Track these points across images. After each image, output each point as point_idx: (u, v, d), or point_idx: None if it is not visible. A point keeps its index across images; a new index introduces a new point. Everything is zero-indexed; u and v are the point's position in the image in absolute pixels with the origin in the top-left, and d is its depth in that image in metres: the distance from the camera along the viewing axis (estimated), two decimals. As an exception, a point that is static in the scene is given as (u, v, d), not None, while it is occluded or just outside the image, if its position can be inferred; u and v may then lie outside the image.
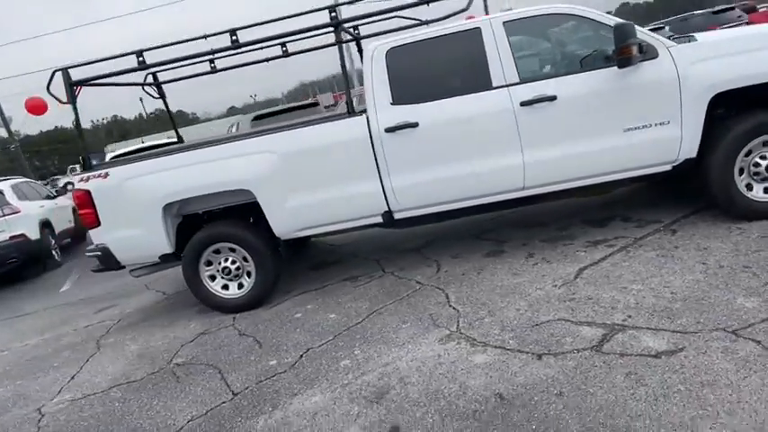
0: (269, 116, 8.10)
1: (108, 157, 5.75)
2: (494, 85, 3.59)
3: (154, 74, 5.06)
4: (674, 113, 3.46)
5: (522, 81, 3.56)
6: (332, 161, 3.77)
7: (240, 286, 4.13)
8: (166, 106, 5.45)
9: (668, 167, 3.62)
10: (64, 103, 4.08)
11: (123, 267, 4.25)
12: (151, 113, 59.49)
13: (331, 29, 3.93)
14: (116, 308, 5.13)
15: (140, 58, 3.91)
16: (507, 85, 3.57)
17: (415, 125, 3.63)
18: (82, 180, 4.00)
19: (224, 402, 2.85)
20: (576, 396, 2.28)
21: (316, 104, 9.25)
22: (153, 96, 5.34)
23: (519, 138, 3.59)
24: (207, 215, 4.26)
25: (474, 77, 3.62)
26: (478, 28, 3.63)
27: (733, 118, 3.49)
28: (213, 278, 4.14)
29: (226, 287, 4.15)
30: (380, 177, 3.76)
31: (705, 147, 3.51)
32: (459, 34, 3.69)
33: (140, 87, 5.18)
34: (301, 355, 3.18)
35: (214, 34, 3.97)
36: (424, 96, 3.68)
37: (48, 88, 4.02)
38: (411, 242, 4.90)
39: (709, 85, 3.36)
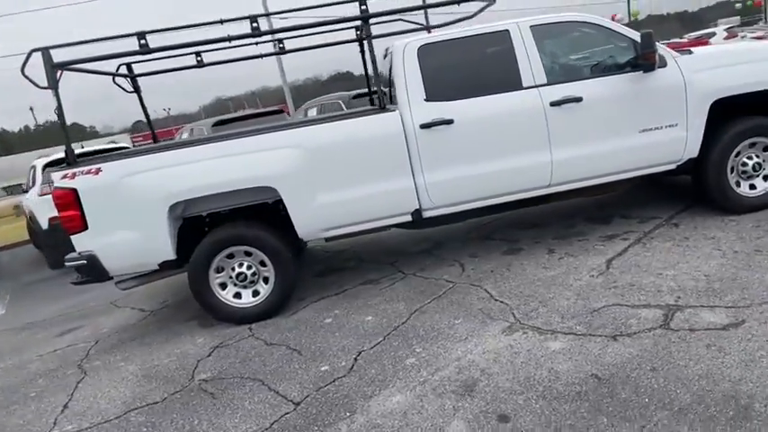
0: (231, 122, 7.76)
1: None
2: (524, 85, 3.70)
3: (129, 65, 4.62)
4: (680, 116, 3.78)
5: (550, 83, 3.71)
6: (363, 157, 3.64)
7: (255, 293, 3.79)
8: (141, 102, 4.96)
9: (673, 166, 3.93)
10: (42, 87, 3.58)
11: (110, 278, 3.75)
12: (40, 126, 53.91)
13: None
14: (83, 329, 4.47)
15: (143, 41, 3.52)
16: (537, 86, 3.70)
17: (450, 122, 3.63)
18: (66, 177, 3.48)
19: (287, 413, 2.56)
20: (670, 369, 2.34)
21: (281, 111, 8.99)
22: (126, 90, 4.85)
23: (548, 136, 3.72)
24: (209, 218, 3.90)
25: (505, 77, 3.71)
26: (507, 30, 3.75)
27: (728, 123, 3.88)
28: (224, 286, 3.77)
29: (238, 295, 3.79)
30: (413, 174, 3.69)
31: (704, 148, 3.87)
32: (489, 35, 3.77)
33: (113, 78, 4.68)
34: (356, 358, 2.97)
35: (233, 20, 3.70)
36: (459, 94, 3.69)
37: (22, 70, 3.50)
38: (417, 245, 4.83)
39: (711, 92, 3.73)
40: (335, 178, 3.63)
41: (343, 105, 9.14)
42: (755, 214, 3.92)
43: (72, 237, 3.58)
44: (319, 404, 2.59)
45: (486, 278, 3.73)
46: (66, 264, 3.67)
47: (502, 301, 3.32)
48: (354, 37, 5.05)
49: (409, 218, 3.82)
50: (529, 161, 3.74)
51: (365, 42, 3.78)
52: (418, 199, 3.75)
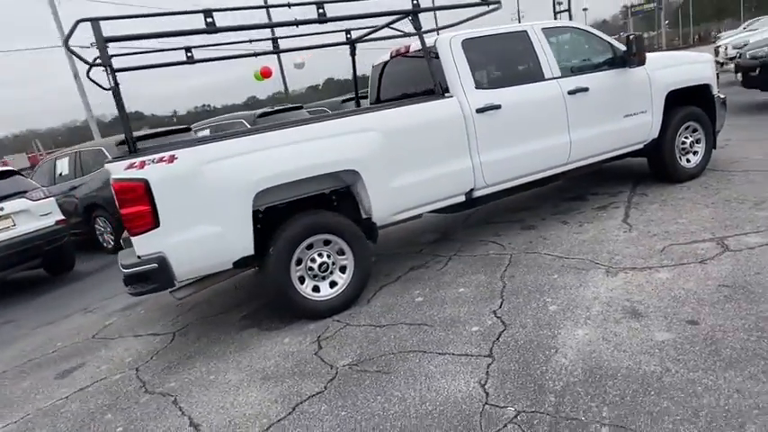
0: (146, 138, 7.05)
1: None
2: (545, 77, 4.31)
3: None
4: (648, 104, 4.79)
5: (563, 76, 4.39)
6: (431, 140, 3.80)
7: (332, 285, 3.60)
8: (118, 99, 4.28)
9: (641, 146, 4.93)
10: (91, 64, 3.03)
11: (172, 286, 3.22)
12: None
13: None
14: (91, 364, 3.61)
15: (209, 19, 3.20)
16: (555, 78, 4.34)
17: (498, 107, 4.02)
18: (133, 166, 2.95)
19: (490, 364, 2.59)
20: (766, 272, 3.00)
21: (189, 129, 8.37)
22: (102, 87, 4.16)
23: (567, 120, 4.37)
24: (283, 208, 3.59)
25: (531, 70, 4.29)
26: (525, 31, 4.34)
27: (673, 110, 5.02)
28: (302, 280, 3.50)
29: (316, 289, 3.55)
30: (471, 155, 3.97)
31: (661, 131, 4.94)
32: (512, 34, 4.32)
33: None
34: (497, 316, 3.09)
35: (300, 4, 3.55)
36: (500, 83, 4.14)
37: (66, 43, 2.93)
38: (425, 236, 5.06)
39: (667, 85, 4.83)
40: (407, 161, 3.72)
41: (246, 124, 8.85)
42: (696, 180, 5.12)
43: (136, 237, 3.00)
44: (513, 351, 2.67)
45: (535, 246, 4.15)
46: (128, 270, 3.04)
47: (573, 258, 3.77)
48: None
49: (462, 198, 4.07)
50: (555, 141, 4.34)
51: (418, 37, 3.97)
52: (474, 179, 4.04)
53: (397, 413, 2.36)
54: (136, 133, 9.51)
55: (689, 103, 5.08)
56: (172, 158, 3.02)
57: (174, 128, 8.84)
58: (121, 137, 5.78)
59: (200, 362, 3.30)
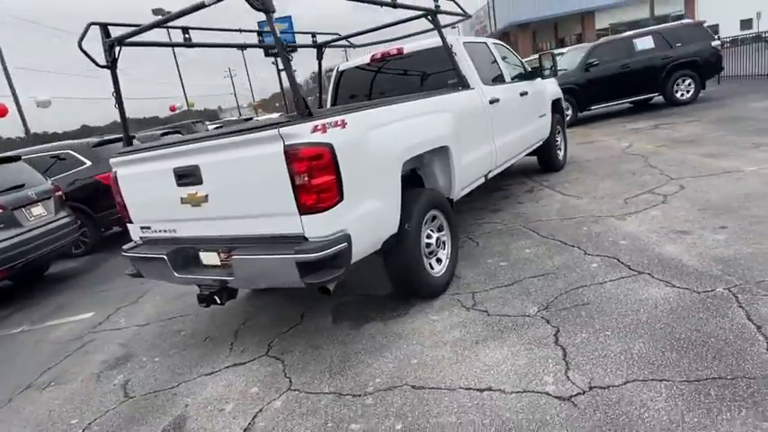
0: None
1: None
2: (506, 80, 5.27)
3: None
4: (546, 108, 6.29)
5: (513, 81, 5.44)
6: (475, 124, 4.24)
7: (438, 262, 3.60)
8: (115, 79, 3.28)
9: (541, 143, 6.39)
10: (101, 66, 3.02)
11: (347, 272, 2.76)
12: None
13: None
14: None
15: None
16: (512, 82, 5.35)
17: (498, 100, 4.75)
18: (317, 129, 2.51)
19: (693, 295, 3.22)
20: (717, 190, 4.55)
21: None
22: (97, 64, 3.17)
23: (524, 114, 5.42)
24: None
25: (501, 73, 5.18)
26: (485, 42, 5.24)
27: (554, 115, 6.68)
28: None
29: (430, 266, 3.51)
30: (491, 140, 4.56)
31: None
32: (482, 43, 5.15)
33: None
34: (618, 261, 3.74)
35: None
36: (492, 80, 4.86)
37: (80, 44, 2.91)
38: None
39: (552, 94, 6.43)
40: (468, 141, 4.07)
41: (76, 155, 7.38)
42: (571, 165, 6.88)
43: (320, 215, 2.52)
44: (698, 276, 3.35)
45: (518, 216, 5.00)
46: (312, 255, 2.48)
47: (598, 208, 4.75)
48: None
49: (483, 180, 4.62)
50: (524, 130, 5.33)
51: (438, 32, 4.37)
52: (495, 161, 4.64)
53: (647, 319, 2.77)
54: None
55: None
56: (343, 123, 2.67)
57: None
58: None
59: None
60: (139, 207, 3.30)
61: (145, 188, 3.19)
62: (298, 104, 2.56)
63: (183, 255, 3.14)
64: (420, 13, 4.33)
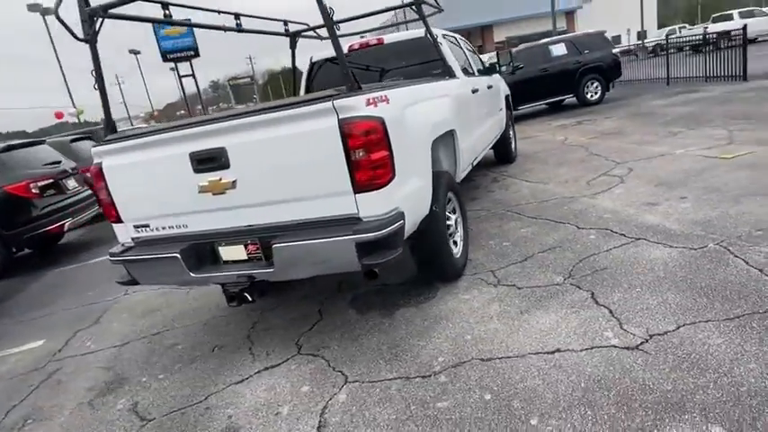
0: None
1: None
2: (475, 74, 5.47)
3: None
4: (503, 103, 6.62)
5: (477, 75, 5.66)
6: (468, 110, 4.36)
7: (455, 243, 3.62)
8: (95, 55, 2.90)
9: (500, 135, 6.71)
10: (80, 39, 2.71)
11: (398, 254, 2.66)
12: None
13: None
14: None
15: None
16: (477, 75, 5.56)
17: (477, 90, 4.91)
18: (370, 103, 2.42)
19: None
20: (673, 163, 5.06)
21: None
22: (76, 37, 2.81)
23: (491, 105, 5.66)
24: None
25: (470, 66, 5.36)
26: (456, 36, 5.41)
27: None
28: (446, 238, 3.42)
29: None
30: (475, 128, 4.70)
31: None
32: (453, 36, 5.30)
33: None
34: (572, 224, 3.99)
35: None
36: (465, 73, 5.01)
37: (56, 12, 2.60)
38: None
39: (504, 90, 6.79)
40: (464, 127, 4.16)
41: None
42: (522, 157, 7.29)
43: (374, 192, 2.43)
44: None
45: (499, 203, 5.22)
46: (374, 235, 2.36)
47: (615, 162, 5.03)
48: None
49: (470, 168, 4.74)
50: (492, 121, 5.55)
51: (423, 22, 4.42)
52: (478, 149, 4.78)
53: (665, 275, 3.00)
54: None
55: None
56: (387, 99, 2.61)
57: None
58: None
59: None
60: (134, 202, 2.93)
61: (145, 179, 2.84)
62: (346, 77, 2.46)
63: (198, 252, 2.84)
64: (407, 2, 4.37)
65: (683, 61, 13.17)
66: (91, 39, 2.78)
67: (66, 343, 4.08)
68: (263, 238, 2.70)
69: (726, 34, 12.46)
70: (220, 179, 2.63)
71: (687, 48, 15.11)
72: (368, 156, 2.38)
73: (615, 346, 2.42)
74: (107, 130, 2.99)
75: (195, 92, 21.75)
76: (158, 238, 2.95)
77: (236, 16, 4.15)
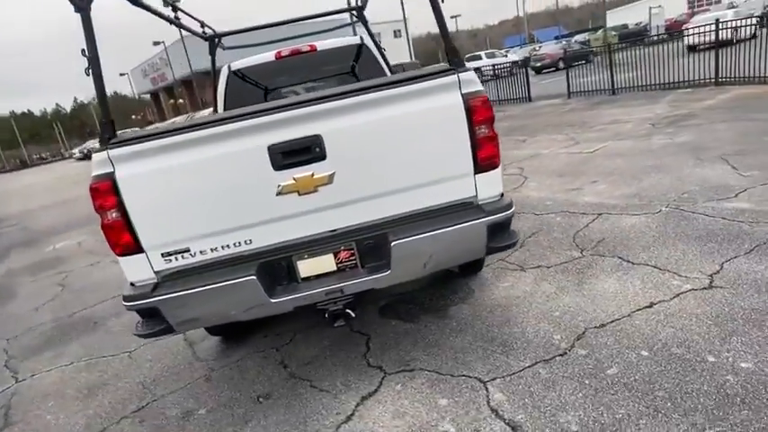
0: None
1: None
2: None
3: None
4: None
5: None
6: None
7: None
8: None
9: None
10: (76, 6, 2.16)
11: None
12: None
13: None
14: None
15: None
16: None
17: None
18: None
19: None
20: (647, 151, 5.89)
21: None
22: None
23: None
24: None
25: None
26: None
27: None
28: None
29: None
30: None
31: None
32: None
33: None
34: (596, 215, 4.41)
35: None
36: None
37: None
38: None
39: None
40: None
41: None
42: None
43: (489, 173, 2.33)
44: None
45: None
46: (503, 215, 2.25)
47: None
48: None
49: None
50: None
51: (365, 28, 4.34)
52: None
53: (659, 235, 3.51)
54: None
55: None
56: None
57: None
58: None
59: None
60: (166, 222, 2.16)
61: (187, 189, 2.12)
62: (450, 52, 2.29)
63: (271, 271, 2.25)
64: (347, 7, 4.25)
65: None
66: (85, 7, 2.01)
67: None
68: (361, 241, 2.28)
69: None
70: (312, 174, 2.14)
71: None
72: (488, 132, 2.25)
73: (694, 289, 2.73)
74: (104, 128, 2.15)
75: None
76: (205, 265, 2.22)
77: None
